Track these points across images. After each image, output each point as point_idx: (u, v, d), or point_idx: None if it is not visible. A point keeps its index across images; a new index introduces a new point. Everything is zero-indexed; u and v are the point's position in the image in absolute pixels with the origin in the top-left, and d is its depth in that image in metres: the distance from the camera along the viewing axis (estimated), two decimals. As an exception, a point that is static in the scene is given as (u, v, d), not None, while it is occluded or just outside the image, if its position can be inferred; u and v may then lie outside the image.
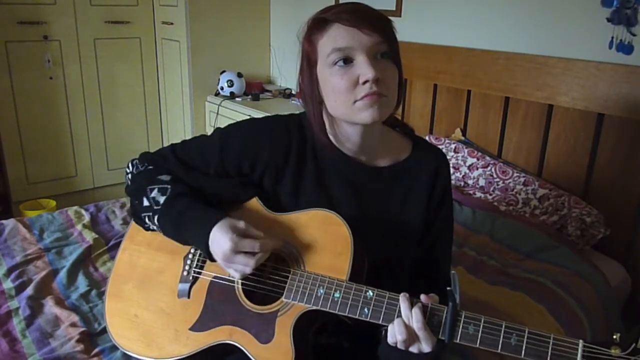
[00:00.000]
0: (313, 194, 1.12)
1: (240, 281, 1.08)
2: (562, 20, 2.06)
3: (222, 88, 3.42)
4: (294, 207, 1.10)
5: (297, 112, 1.17)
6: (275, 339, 1.01)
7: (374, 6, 1.04)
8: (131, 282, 1.19)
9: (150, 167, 1.16)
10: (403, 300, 0.94)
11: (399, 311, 0.94)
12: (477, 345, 0.88)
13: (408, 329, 0.92)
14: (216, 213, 1.03)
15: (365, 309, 0.96)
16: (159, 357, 1.10)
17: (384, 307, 0.95)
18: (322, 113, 1.09)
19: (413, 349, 0.93)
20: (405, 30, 2.63)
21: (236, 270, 1.01)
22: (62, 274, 1.69)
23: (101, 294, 1.60)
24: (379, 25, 1.00)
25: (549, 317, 1.53)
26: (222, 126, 1.20)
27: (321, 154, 1.13)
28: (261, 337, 1.02)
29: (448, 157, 1.87)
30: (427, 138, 2.44)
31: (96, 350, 1.36)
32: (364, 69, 0.97)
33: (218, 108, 3.38)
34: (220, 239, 0.99)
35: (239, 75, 3.43)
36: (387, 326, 0.95)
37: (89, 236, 1.93)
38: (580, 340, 0.82)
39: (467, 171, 2.26)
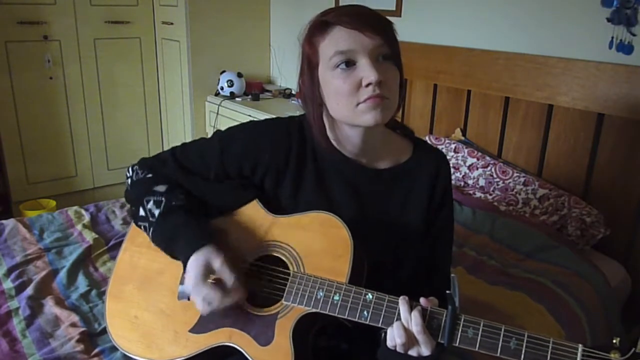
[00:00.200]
0: (313, 196, 1.12)
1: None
2: (562, 20, 2.06)
3: (222, 88, 3.42)
4: (294, 209, 1.10)
5: (297, 112, 1.17)
6: (274, 342, 1.01)
7: (374, 6, 1.04)
8: (131, 283, 1.19)
9: (149, 175, 1.16)
10: (402, 304, 0.94)
11: (399, 314, 0.94)
12: (477, 349, 0.88)
13: (407, 332, 0.92)
14: (199, 241, 1.04)
15: (365, 312, 0.96)
16: (159, 358, 1.10)
17: (383, 310, 0.95)
18: (323, 115, 1.09)
19: (412, 352, 0.93)
20: (405, 30, 2.63)
21: (198, 302, 1.01)
22: (62, 274, 1.70)
23: (101, 294, 1.61)
24: (380, 27, 1.00)
25: (549, 317, 1.53)
26: (222, 128, 1.20)
27: (321, 156, 1.13)
28: (261, 339, 1.02)
29: (448, 157, 1.87)
30: (427, 138, 2.44)
31: (96, 350, 1.36)
32: (366, 71, 0.97)
33: (218, 108, 3.38)
34: (191, 270, 1.02)
35: (239, 75, 3.43)
36: (387, 329, 0.95)
37: (89, 236, 1.93)
38: (580, 345, 0.82)
39: (467, 171, 2.26)
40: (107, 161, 3.69)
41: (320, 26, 1.02)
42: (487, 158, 2.25)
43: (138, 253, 1.21)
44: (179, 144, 1.22)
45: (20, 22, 3.14)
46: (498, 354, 0.87)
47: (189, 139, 1.26)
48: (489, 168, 2.20)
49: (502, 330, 0.88)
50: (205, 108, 3.54)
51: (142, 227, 1.13)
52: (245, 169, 1.14)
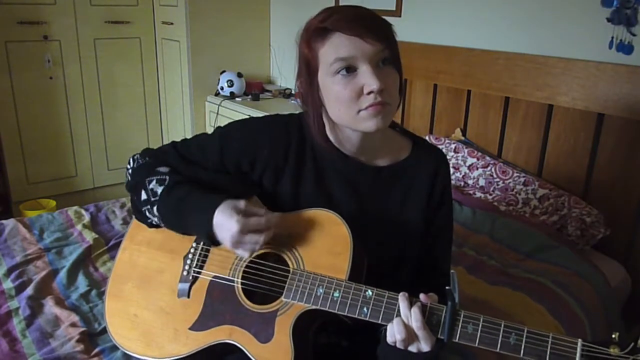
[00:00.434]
0: (312, 194, 1.12)
1: (240, 280, 1.08)
2: (562, 20, 2.06)
3: (222, 88, 3.42)
4: (293, 207, 1.10)
5: (297, 112, 1.17)
6: (274, 339, 1.01)
7: (374, 6, 1.03)
8: (131, 282, 1.19)
9: (150, 160, 1.17)
10: (402, 300, 0.94)
11: (398, 310, 0.94)
12: (476, 345, 0.89)
13: (407, 328, 0.92)
14: (216, 197, 1.03)
15: (365, 309, 0.96)
16: (159, 356, 1.10)
17: (383, 307, 0.95)
18: (322, 115, 1.09)
19: (412, 349, 0.93)
20: (405, 30, 2.63)
21: (245, 249, 1.00)
22: (62, 274, 1.69)
23: (101, 294, 1.61)
24: (381, 33, 0.99)
25: (549, 317, 1.53)
26: (222, 125, 1.20)
27: (320, 154, 1.13)
28: (261, 336, 1.02)
29: (448, 157, 1.87)
30: (427, 138, 2.44)
31: (96, 350, 1.36)
32: (368, 79, 0.97)
33: (218, 108, 3.38)
34: (225, 222, 0.99)
35: (239, 75, 3.43)
36: (387, 325, 0.95)
37: (89, 236, 1.93)
38: (579, 340, 0.82)
39: (467, 171, 2.26)
40: (107, 161, 3.69)
41: (319, 32, 1.01)
42: (487, 158, 2.25)
43: (137, 252, 1.20)
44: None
45: (20, 22, 3.14)
46: (498, 350, 0.88)
47: (189, 139, 1.26)
48: (489, 168, 2.20)
49: (502, 325, 0.88)
50: (205, 108, 3.54)
51: (146, 212, 1.11)
52: (244, 165, 1.14)
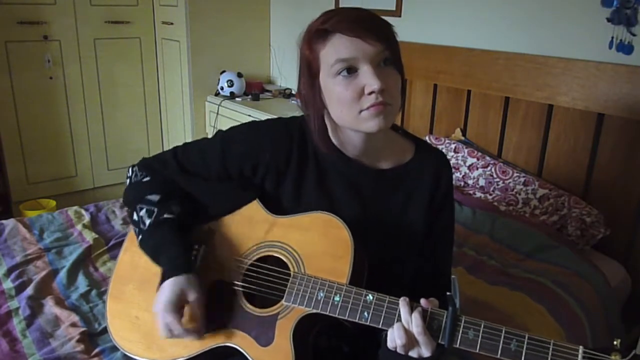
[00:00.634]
0: (314, 197, 1.12)
1: (241, 284, 1.08)
2: (562, 20, 2.06)
3: (222, 88, 3.42)
4: (295, 210, 1.10)
5: (297, 112, 1.17)
6: (275, 342, 1.01)
7: (374, 6, 1.03)
8: (132, 284, 1.19)
9: (146, 178, 1.17)
10: (403, 305, 0.94)
11: (399, 315, 0.94)
12: (477, 351, 0.88)
13: (408, 333, 0.92)
14: (184, 264, 1.05)
15: (365, 313, 0.96)
16: (160, 359, 1.10)
17: (383, 311, 0.95)
18: (324, 117, 1.09)
19: (413, 354, 0.93)
20: (405, 30, 2.63)
21: (161, 327, 1.03)
22: (62, 274, 1.70)
23: (101, 294, 1.61)
24: (381, 33, 0.99)
25: (549, 317, 1.53)
26: (222, 128, 1.20)
27: (322, 156, 1.13)
28: (261, 340, 1.02)
29: (448, 157, 1.87)
30: (427, 138, 2.44)
31: (96, 350, 1.36)
32: (369, 79, 0.97)
33: (218, 108, 3.38)
34: (166, 294, 1.02)
35: (239, 75, 3.43)
36: (387, 330, 0.95)
37: (89, 236, 1.93)
38: (580, 346, 0.82)
39: (467, 171, 2.26)
40: (107, 161, 3.69)
41: (320, 33, 1.01)
42: (487, 158, 2.25)
43: (139, 253, 1.20)
44: (179, 144, 1.22)
45: (20, 22, 3.14)
46: (498, 356, 0.87)
47: (189, 139, 1.27)
48: (489, 168, 2.20)
49: (503, 331, 0.88)
50: (205, 108, 3.54)
51: (134, 231, 1.15)
52: (246, 169, 1.14)
